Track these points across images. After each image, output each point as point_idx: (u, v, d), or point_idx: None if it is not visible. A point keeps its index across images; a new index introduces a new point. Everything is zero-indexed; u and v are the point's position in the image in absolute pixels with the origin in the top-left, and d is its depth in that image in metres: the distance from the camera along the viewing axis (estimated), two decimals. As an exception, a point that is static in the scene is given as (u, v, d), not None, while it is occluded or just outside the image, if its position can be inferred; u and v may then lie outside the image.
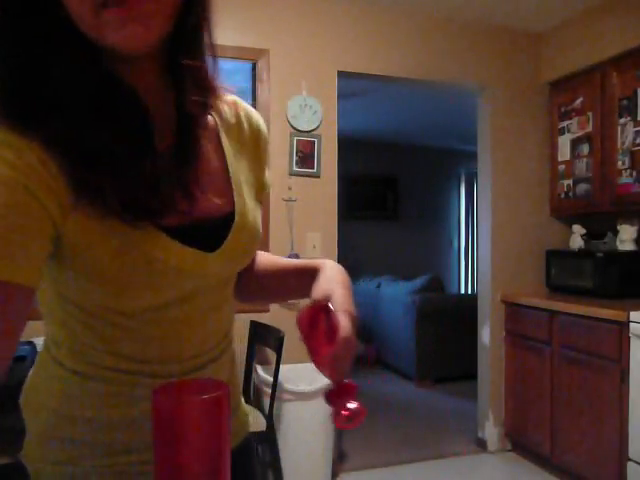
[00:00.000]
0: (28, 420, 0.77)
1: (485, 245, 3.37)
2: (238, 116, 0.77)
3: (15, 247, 0.51)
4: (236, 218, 0.70)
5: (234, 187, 0.72)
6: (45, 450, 0.73)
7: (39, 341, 2.22)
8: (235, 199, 0.71)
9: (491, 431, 3.27)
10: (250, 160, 0.78)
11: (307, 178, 2.91)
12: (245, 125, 0.78)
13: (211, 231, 0.68)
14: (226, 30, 2.78)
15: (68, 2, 0.55)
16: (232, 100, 0.78)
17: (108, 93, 0.59)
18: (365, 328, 5.76)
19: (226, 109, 0.76)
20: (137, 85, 0.62)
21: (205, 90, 0.68)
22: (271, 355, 2.78)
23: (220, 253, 0.68)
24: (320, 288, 0.71)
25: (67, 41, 0.57)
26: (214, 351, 0.75)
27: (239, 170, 0.74)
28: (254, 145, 0.79)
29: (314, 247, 2.92)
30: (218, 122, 0.74)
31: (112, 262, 0.59)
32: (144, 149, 0.61)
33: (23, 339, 2.24)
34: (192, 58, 0.66)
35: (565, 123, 3.26)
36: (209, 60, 0.68)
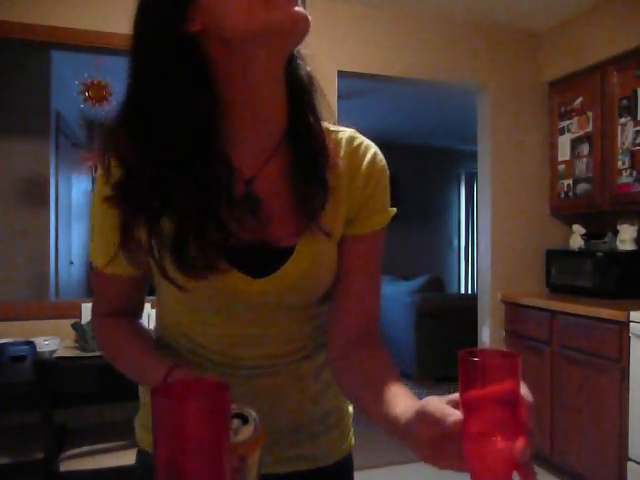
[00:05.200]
0: None
1: (485, 245, 3.37)
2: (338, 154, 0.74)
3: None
4: (294, 254, 0.71)
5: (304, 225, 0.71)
6: None
7: (39, 341, 2.22)
8: (301, 236, 0.71)
9: (491, 431, 3.26)
10: (340, 199, 0.74)
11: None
12: (346, 163, 0.74)
13: (269, 259, 0.71)
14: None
15: (226, 8, 0.61)
16: (338, 139, 0.76)
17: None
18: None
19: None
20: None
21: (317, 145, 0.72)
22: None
23: (267, 281, 0.71)
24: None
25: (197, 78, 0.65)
26: (282, 359, 0.78)
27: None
28: (350, 185, 0.75)
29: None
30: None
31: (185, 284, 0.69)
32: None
33: (23, 339, 2.23)
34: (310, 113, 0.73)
35: (565, 123, 3.26)
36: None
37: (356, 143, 0.76)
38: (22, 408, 2.13)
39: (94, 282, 0.84)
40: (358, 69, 3.03)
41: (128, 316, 0.84)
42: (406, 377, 4.87)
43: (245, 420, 0.60)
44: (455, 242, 7.36)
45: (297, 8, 0.62)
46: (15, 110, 3.30)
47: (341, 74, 2.99)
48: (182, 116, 0.64)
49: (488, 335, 3.30)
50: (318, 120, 0.73)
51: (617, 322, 2.47)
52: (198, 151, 0.65)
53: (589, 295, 2.96)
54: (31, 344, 2.17)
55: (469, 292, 7.14)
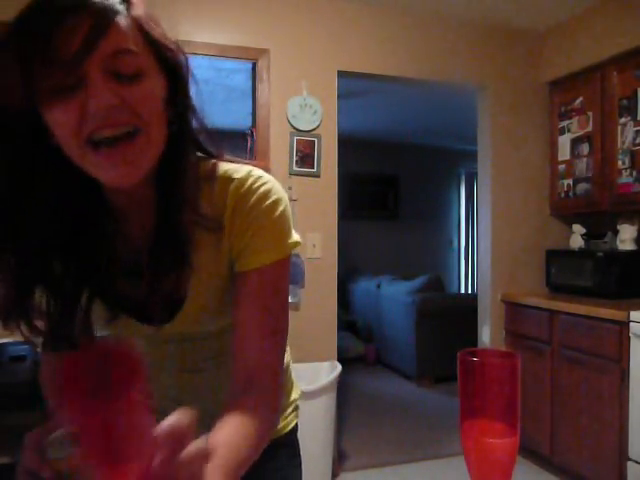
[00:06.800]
0: None
1: (485, 245, 3.37)
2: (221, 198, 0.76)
3: None
4: (185, 302, 0.77)
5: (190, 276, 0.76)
6: None
7: (39, 341, 2.22)
8: (189, 285, 0.76)
9: (491, 431, 3.26)
10: (222, 241, 0.76)
11: (307, 178, 2.91)
12: (232, 207, 0.76)
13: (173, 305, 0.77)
14: (226, 30, 2.78)
15: (59, 136, 0.58)
16: (228, 186, 0.76)
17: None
18: (365, 328, 5.76)
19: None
20: (122, 200, 0.71)
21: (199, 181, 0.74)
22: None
23: (173, 324, 0.78)
24: None
25: (53, 168, 0.62)
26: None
27: (200, 258, 0.75)
28: (232, 227, 0.76)
29: (314, 247, 2.92)
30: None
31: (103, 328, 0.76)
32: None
33: (23, 339, 2.20)
34: (181, 157, 0.70)
35: (565, 123, 3.26)
36: (206, 141, 0.74)
37: (245, 187, 0.75)
38: (22, 408, 2.13)
39: None
40: (358, 69, 3.03)
41: None
42: (406, 377, 4.87)
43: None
44: (455, 242, 7.36)
45: (121, 169, 0.61)
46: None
47: (341, 74, 2.99)
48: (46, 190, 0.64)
49: (488, 335, 3.30)
50: (185, 212, 0.71)
51: (617, 322, 2.47)
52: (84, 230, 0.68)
53: (589, 295, 2.96)
54: (31, 344, 2.17)
55: (469, 292, 7.14)
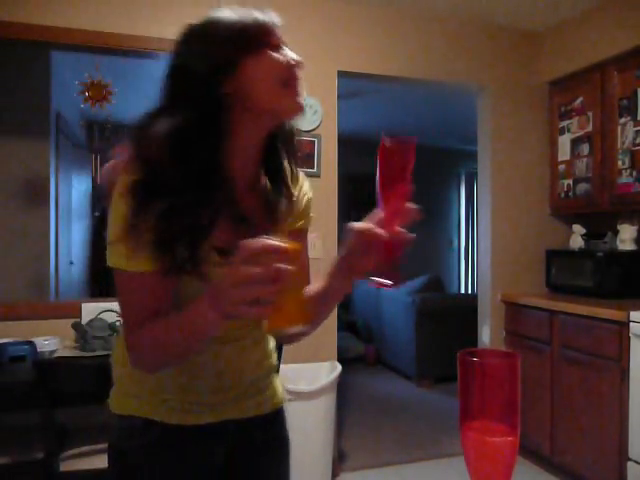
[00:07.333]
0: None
1: (485, 245, 3.37)
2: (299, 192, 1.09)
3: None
4: None
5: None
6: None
7: (39, 341, 2.22)
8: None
9: (491, 431, 3.26)
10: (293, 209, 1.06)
11: (307, 178, 2.90)
12: (299, 196, 1.09)
13: None
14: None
15: (260, 81, 0.87)
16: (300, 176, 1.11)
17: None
18: (365, 328, 5.76)
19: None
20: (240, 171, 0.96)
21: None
22: (271, 355, 2.78)
23: None
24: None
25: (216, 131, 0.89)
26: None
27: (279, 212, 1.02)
28: (299, 208, 1.08)
29: (314, 247, 2.92)
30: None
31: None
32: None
33: (23, 339, 2.23)
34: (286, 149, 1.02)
35: (565, 123, 3.26)
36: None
37: (301, 179, 1.11)
38: (22, 408, 2.13)
39: (122, 292, 0.88)
40: (358, 69, 3.03)
41: None
42: (406, 377, 4.87)
43: None
44: (455, 242, 7.36)
45: (300, 100, 0.90)
46: (15, 110, 3.30)
47: (341, 74, 2.99)
48: (209, 148, 0.87)
49: (488, 335, 3.30)
50: (288, 162, 1.03)
51: (617, 322, 2.47)
52: (216, 171, 0.89)
53: (589, 295, 2.96)
54: (31, 344, 2.17)
55: (469, 292, 7.15)
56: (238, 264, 0.69)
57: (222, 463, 1.04)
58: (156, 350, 0.86)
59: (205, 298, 0.76)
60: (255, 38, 0.89)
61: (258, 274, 0.68)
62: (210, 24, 0.89)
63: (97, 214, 4.91)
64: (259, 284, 0.69)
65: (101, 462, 1.90)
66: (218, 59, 0.86)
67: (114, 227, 0.84)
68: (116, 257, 0.85)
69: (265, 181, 0.99)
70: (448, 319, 4.65)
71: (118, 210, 0.84)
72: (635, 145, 2.77)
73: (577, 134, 3.16)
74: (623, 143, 2.85)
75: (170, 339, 0.84)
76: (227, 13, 0.90)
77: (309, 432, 2.59)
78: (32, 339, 2.22)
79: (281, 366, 2.39)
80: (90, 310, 2.44)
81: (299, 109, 0.91)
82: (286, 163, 1.02)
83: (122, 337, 0.93)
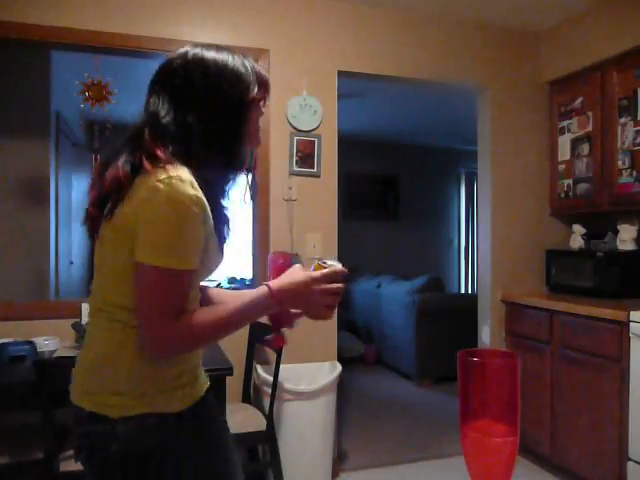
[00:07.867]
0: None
1: (485, 245, 3.37)
2: None
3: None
4: None
5: None
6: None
7: (39, 341, 2.22)
8: None
9: (491, 431, 3.26)
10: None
11: (307, 178, 2.91)
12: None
13: None
14: (226, 30, 2.78)
15: (254, 122, 1.15)
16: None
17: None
18: (365, 328, 5.76)
19: None
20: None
21: None
22: (271, 355, 2.78)
23: None
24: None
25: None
26: None
27: None
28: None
29: (314, 247, 2.92)
30: None
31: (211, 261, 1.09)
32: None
33: (23, 339, 2.22)
34: None
35: (565, 123, 3.26)
36: None
37: (149, 187, 1.00)
38: (22, 408, 2.13)
39: (164, 289, 0.97)
40: (358, 69, 3.03)
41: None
42: (406, 377, 4.87)
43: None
44: (455, 242, 7.36)
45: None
46: (15, 110, 3.30)
47: (341, 74, 2.99)
48: (241, 142, 1.12)
49: (488, 335, 3.30)
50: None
51: (617, 322, 2.47)
52: (245, 157, 1.14)
53: (589, 295, 2.96)
54: (31, 344, 2.17)
55: (469, 292, 7.14)
56: (325, 279, 1.03)
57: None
58: (205, 333, 1.00)
59: (271, 292, 1.02)
60: (267, 90, 1.19)
61: (339, 288, 1.03)
62: (244, 66, 1.19)
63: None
64: (338, 295, 1.04)
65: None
66: (252, 99, 1.12)
67: (180, 232, 0.95)
68: (170, 258, 0.95)
69: None
70: (448, 319, 4.65)
71: (187, 219, 0.95)
72: (635, 145, 2.77)
73: (577, 134, 3.16)
74: (623, 143, 2.85)
75: (232, 321, 1.02)
76: (250, 62, 1.22)
77: (309, 432, 2.59)
78: (32, 339, 2.22)
79: (281, 366, 2.40)
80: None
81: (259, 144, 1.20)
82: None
83: (136, 338, 1.00)
